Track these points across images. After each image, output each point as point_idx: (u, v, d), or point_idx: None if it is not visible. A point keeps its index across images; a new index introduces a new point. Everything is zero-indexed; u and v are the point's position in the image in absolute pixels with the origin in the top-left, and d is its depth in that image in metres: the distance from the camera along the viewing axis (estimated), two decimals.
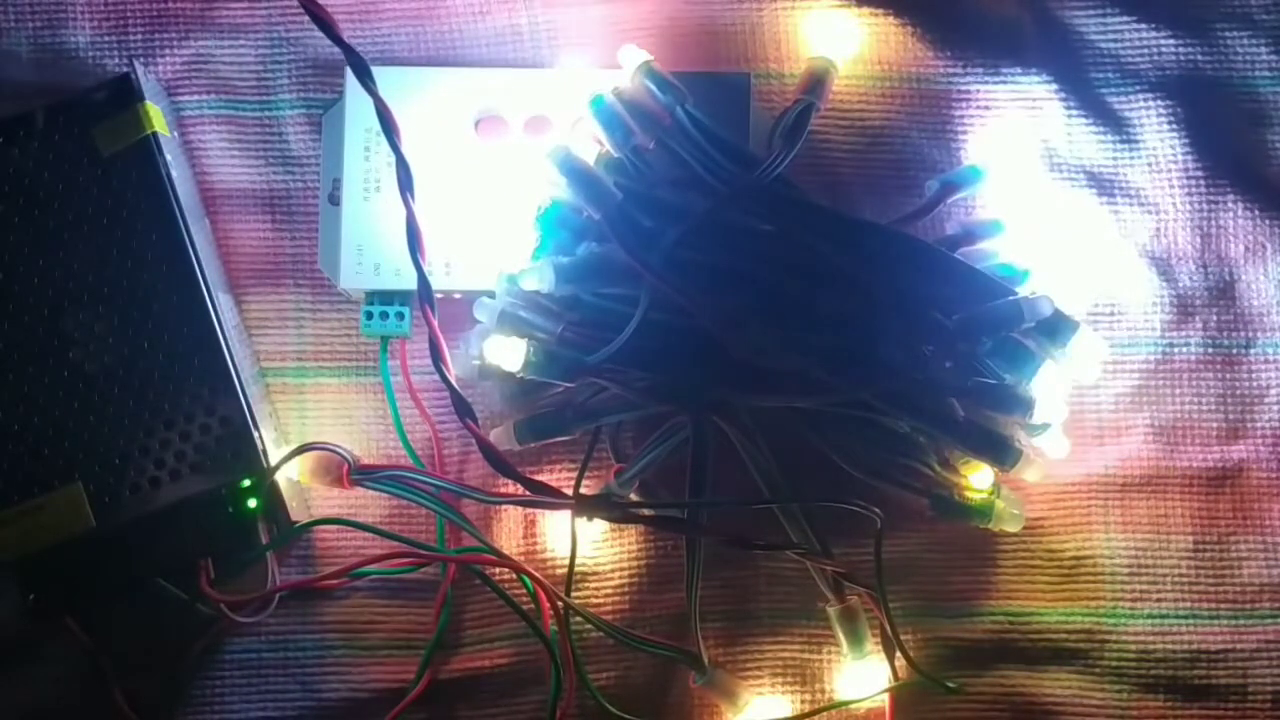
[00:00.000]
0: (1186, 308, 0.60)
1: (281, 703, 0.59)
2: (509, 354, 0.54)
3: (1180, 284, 0.61)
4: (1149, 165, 0.61)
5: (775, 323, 0.54)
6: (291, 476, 0.58)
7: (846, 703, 0.57)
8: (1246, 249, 0.60)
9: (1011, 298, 0.54)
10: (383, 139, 0.55)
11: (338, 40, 0.55)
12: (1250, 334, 0.60)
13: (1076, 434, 0.59)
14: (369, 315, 0.58)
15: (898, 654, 0.56)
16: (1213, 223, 0.61)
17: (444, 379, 0.53)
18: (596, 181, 0.54)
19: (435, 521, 0.59)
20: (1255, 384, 0.60)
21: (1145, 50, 0.61)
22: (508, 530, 0.60)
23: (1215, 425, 0.60)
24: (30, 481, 0.56)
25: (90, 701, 0.58)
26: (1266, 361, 0.60)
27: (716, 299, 0.54)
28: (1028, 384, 0.54)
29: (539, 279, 0.54)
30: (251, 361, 0.60)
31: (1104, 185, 0.61)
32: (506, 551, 0.59)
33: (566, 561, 0.58)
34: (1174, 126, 0.60)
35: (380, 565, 0.59)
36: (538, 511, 0.59)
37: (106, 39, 0.61)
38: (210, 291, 0.57)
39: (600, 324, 0.54)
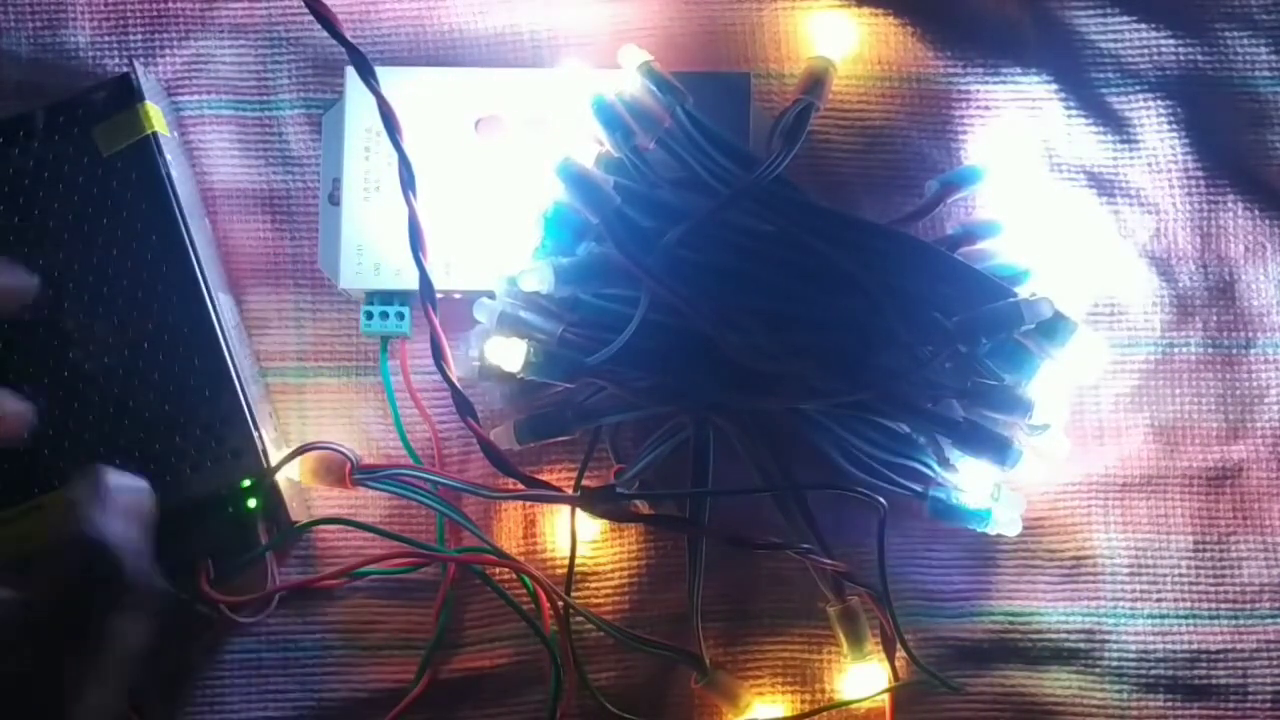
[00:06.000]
0: (1186, 308, 0.60)
1: (281, 703, 0.59)
2: (509, 355, 0.54)
3: (1180, 284, 0.61)
4: (1149, 165, 0.61)
5: (774, 324, 0.54)
6: (292, 476, 0.58)
7: (847, 703, 0.57)
8: (1246, 249, 0.61)
9: (1011, 299, 0.54)
10: (382, 139, 0.55)
11: (340, 37, 0.55)
12: (1250, 334, 0.60)
13: (1076, 434, 0.59)
14: (369, 315, 0.58)
15: (899, 652, 0.56)
16: (1213, 223, 0.61)
17: (445, 377, 0.53)
18: (595, 186, 0.54)
19: (435, 521, 0.59)
20: (1255, 384, 0.60)
21: (1145, 50, 0.61)
22: (508, 530, 0.60)
23: (1215, 425, 0.60)
24: (30, 481, 0.56)
25: None
26: (1266, 361, 0.60)
27: (715, 301, 0.54)
28: (1027, 385, 0.54)
29: (539, 280, 0.54)
30: (251, 361, 0.60)
31: (1104, 185, 0.61)
32: (507, 551, 0.59)
33: (566, 561, 0.58)
34: (1174, 126, 0.60)
35: (380, 565, 0.59)
36: (538, 511, 0.59)
37: (106, 39, 0.61)
38: (210, 291, 0.57)
39: (600, 325, 0.54)
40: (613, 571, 0.59)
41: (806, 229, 0.55)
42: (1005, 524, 0.56)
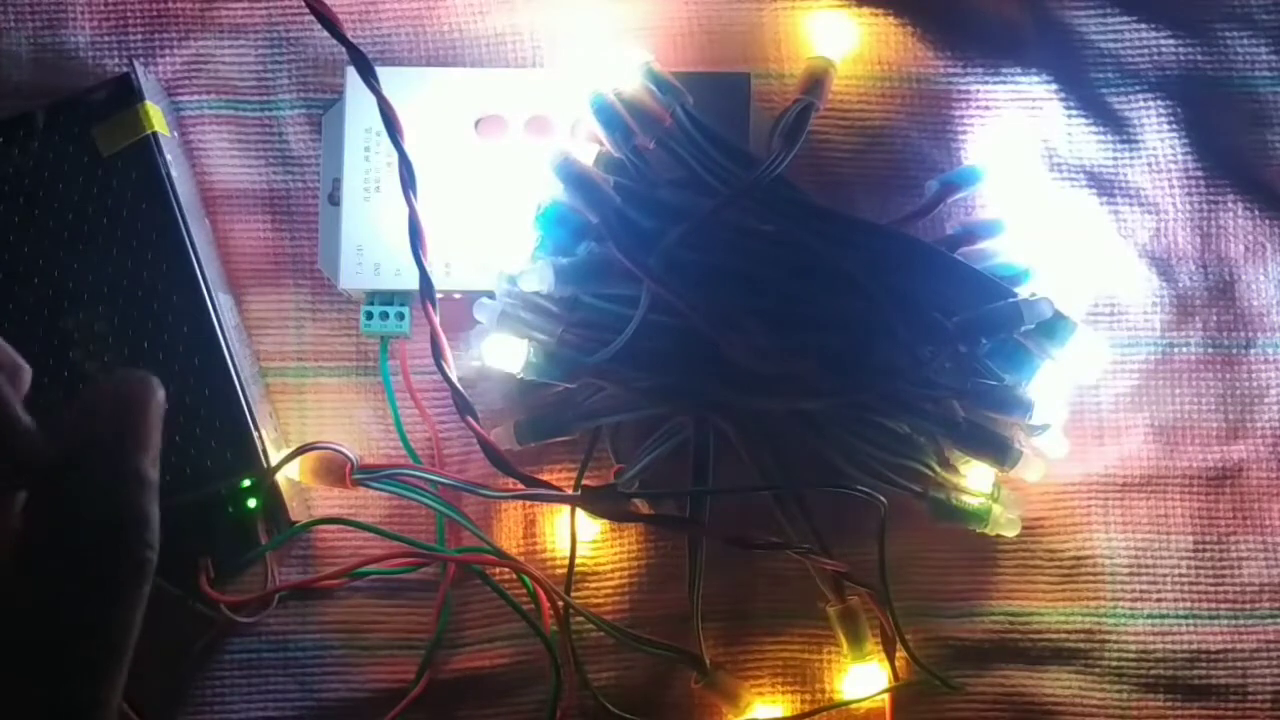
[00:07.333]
0: (1186, 308, 0.60)
1: (281, 703, 0.59)
2: (509, 355, 0.54)
3: (1180, 284, 0.61)
4: (1149, 165, 0.61)
5: (774, 325, 0.54)
6: (292, 476, 0.58)
7: (847, 703, 0.57)
8: (1246, 249, 0.61)
9: (1011, 299, 0.54)
10: (382, 139, 0.55)
11: (340, 36, 0.55)
12: (1250, 334, 0.60)
13: (1076, 434, 0.59)
14: (369, 315, 0.58)
15: (899, 652, 0.56)
16: (1213, 223, 0.61)
17: (444, 376, 0.53)
18: (594, 186, 0.54)
19: (435, 521, 0.59)
20: (1255, 384, 0.60)
21: (1145, 50, 0.61)
22: (508, 530, 0.60)
23: (1215, 425, 0.60)
24: None
25: None
26: (1266, 361, 0.60)
27: (715, 301, 0.54)
28: (1027, 385, 0.54)
29: (539, 280, 0.54)
30: (251, 361, 0.60)
31: (1104, 185, 0.61)
32: (507, 551, 0.59)
33: (566, 561, 0.58)
34: (1174, 126, 0.60)
35: (380, 565, 0.59)
36: (538, 511, 0.59)
37: (106, 39, 0.61)
38: (210, 291, 0.57)
39: (600, 325, 0.54)
40: (613, 571, 0.59)
41: (806, 229, 0.55)
42: (1005, 524, 0.56)
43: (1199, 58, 0.61)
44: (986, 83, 0.61)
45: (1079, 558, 0.59)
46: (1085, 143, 0.61)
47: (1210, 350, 0.60)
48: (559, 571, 0.58)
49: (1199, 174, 0.60)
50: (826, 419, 0.55)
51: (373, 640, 0.60)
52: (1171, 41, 0.61)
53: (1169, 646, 0.59)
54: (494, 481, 0.57)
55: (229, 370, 0.57)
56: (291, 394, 0.61)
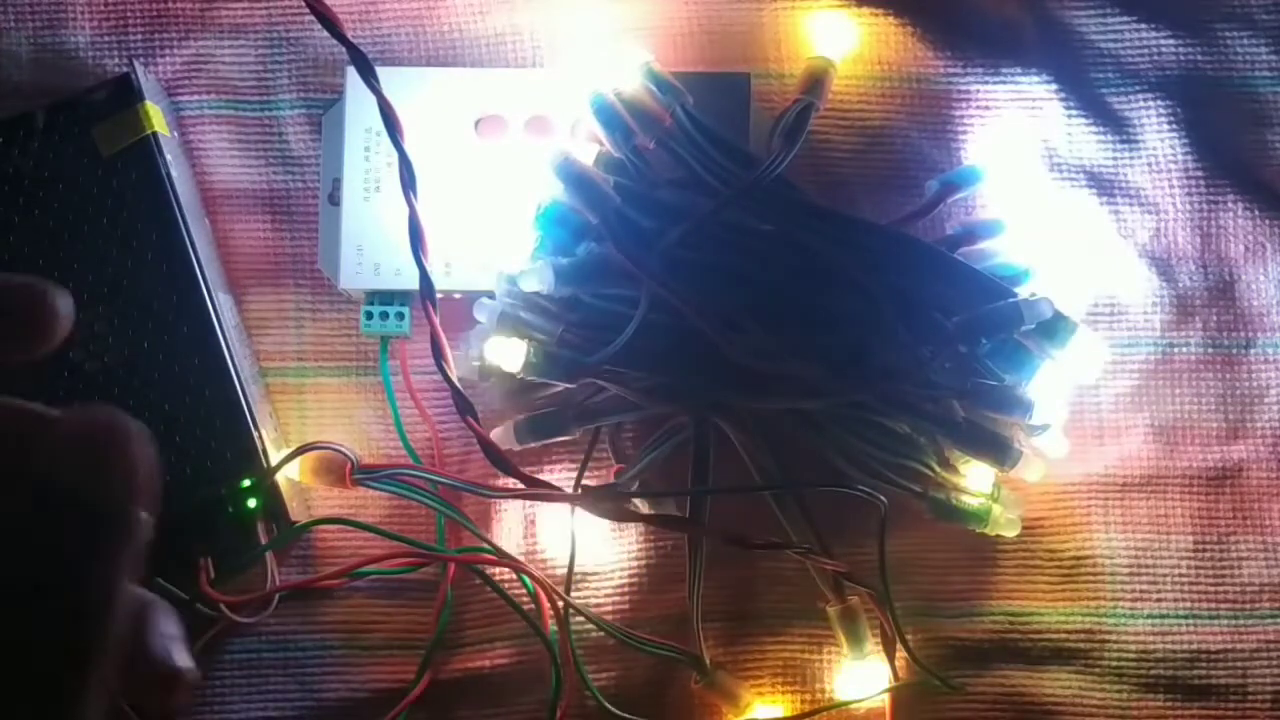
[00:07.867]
0: (1186, 308, 0.60)
1: (281, 703, 0.59)
2: (509, 355, 0.54)
3: (1180, 284, 0.61)
4: (1149, 165, 0.61)
5: (774, 325, 0.54)
6: (292, 476, 0.58)
7: (847, 703, 0.57)
8: (1246, 249, 0.60)
9: (1011, 299, 0.54)
10: (382, 139, 0.55)
11: (340, 36, 0.55)
12: (1250, 334, 0.60)
13: (1076, 434, 0.59)
14: (369, 315, 0.58)
15: (899, 652, 0.56)
16: (1213, 223, 0.61)
17: (444, 375, 0.53)
18: (594, 186, 0.54)
19: (435, 521, 0.59)
20: (1255, 384, 0.60)
21: (1145, 50, 0.61)
22: (508, 530, 0.60)
23: (1215, 425, 0.60)
24: None
25: None
26: (1266, 361, 0.60)
27: (715, 301, 0.54)
28: (1027, 385, 0.54)
29: (538, 280, 0.54)
30: (251, 361, 0.60)
31: (1104, 185, 0.61)
32: (507, 551, 0.59)
33: (566, 562, 0.58)
34: (1174, 126, 0.60)
35: (380, 565, 0.59)
36: (538, 511, 0.59)
37: (106, 39, 0.61)
38: (210, 291, 0.57)
39: (600, 325, 0.54)
40: (613, 571, 0.59)
41: (806, 229, 0.55)
42: (1005, 524, 0.56)
43: (1199, 58, 0.61)
44: (986, 83, 0.61)
45: (1079, 558, 0.59)
46: (1085, 143, 0.61)
47: (1210, 350, 0.60)
48: (559, 571, 0.58)
49: (1199, 174, 0.60)
50: (826, 419, 0.55)
51: (373, 640, 0.60)
52: (1171, 41, 0.61)
53: (1169, 646, 0.59)
54: (494, 481, 0.58)
55: (229, 370, 0.57)
56: (291, 394, 0.61)
